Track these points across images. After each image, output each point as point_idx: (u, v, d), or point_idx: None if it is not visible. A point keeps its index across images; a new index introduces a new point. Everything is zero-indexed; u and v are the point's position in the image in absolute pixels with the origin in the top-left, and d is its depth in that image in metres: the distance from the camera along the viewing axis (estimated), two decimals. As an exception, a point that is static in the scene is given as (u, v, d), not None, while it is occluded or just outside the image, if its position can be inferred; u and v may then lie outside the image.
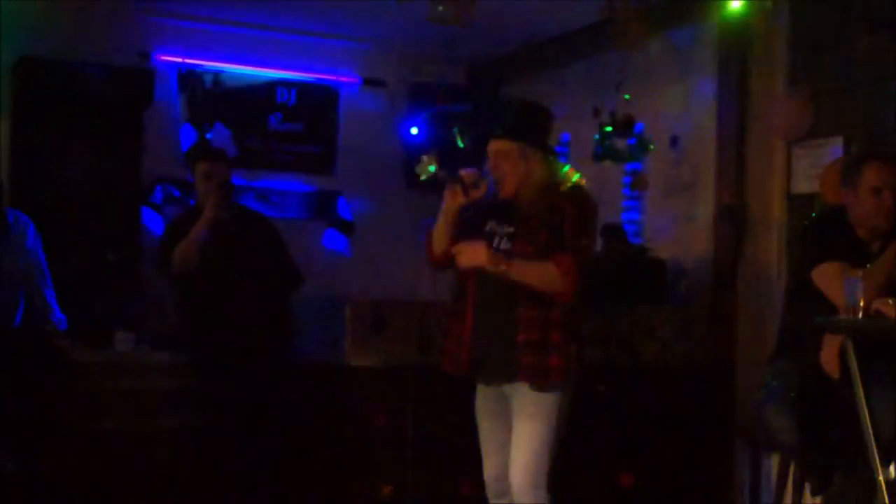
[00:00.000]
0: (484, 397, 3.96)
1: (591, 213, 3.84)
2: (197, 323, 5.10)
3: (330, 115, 7.58)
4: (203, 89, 7.17)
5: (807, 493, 4.37)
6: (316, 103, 7.54)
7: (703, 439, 5.59)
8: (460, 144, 5.87)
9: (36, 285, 5.04)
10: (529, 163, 3.80)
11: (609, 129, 6.01)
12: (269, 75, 7.39)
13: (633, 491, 5.39)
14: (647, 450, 5.43)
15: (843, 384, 3.83)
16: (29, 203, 5.42)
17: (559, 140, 6.92)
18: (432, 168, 3.84)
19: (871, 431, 3.68)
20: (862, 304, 3.62)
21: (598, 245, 5.10)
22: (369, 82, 7.63)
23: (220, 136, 6.92)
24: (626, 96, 6.00)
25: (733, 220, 5.71)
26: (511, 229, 3.81)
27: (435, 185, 3.86)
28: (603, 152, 6.07)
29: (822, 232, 4.24)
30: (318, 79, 7.54)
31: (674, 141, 6.14)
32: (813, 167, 5.24)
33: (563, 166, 4.00)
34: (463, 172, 3.80)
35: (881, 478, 3.68)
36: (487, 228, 3.86)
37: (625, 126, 6.00)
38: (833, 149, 5.15)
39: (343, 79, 7.60)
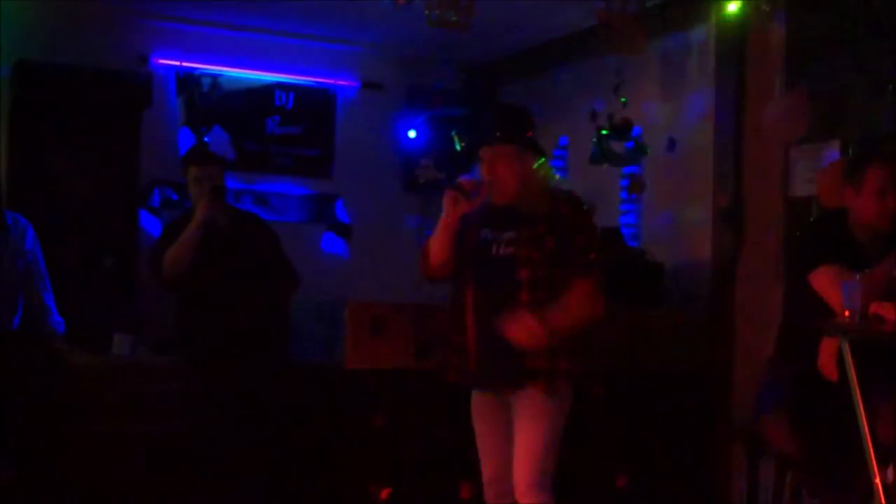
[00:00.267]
0: (481, 400, 3.95)
1: (591, 221, 3.85)
2: (195, 326, 5.09)
3: (328, 119, 7.57)
4: (201, 92, 7.15)
5: (804, 497, 4.37)
6: (314, 107, 7.53)
7: (701, 443, 5.60)
8: (458, 148, 5.88)
9: (34, 288, 5.03)
10: (525, 165, 3.80)
11: (606, 132, 6.02)
12: (267, 79, 7.38)
13: (630, 494, 5.39)
14: (644, 453, 5.43)
15: (840, 388, 3.83)
16: (27, 206, 5.40)
17: (557, 143, 6.93)
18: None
19: (868, 435, 3.68)
20: (860, 307, 3.63)
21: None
22: (367, 85, 7.63)
23: (218, 139, 6.92)
24: (623, 99, 6.01)
25: (731, 224, 5.71)
26: (511, 234, 3.77)
27: (434, 189, 3.86)
28: (600, 155, 6.07)
29: (819, 235, 4.24)
30: (316, 82, 7.53)
31: (671, 144, 6.13)
32: (810, 170, 5.24)
33: (546, 165, 3.99)
34: (463, 180, 3.78)
35: (879, 481, 3.69)
36: (481, 237, 3.82)
37: (622, 129, 6.00)
38: (830, 151, 5.15)
39: (341, 82, 7.59)
